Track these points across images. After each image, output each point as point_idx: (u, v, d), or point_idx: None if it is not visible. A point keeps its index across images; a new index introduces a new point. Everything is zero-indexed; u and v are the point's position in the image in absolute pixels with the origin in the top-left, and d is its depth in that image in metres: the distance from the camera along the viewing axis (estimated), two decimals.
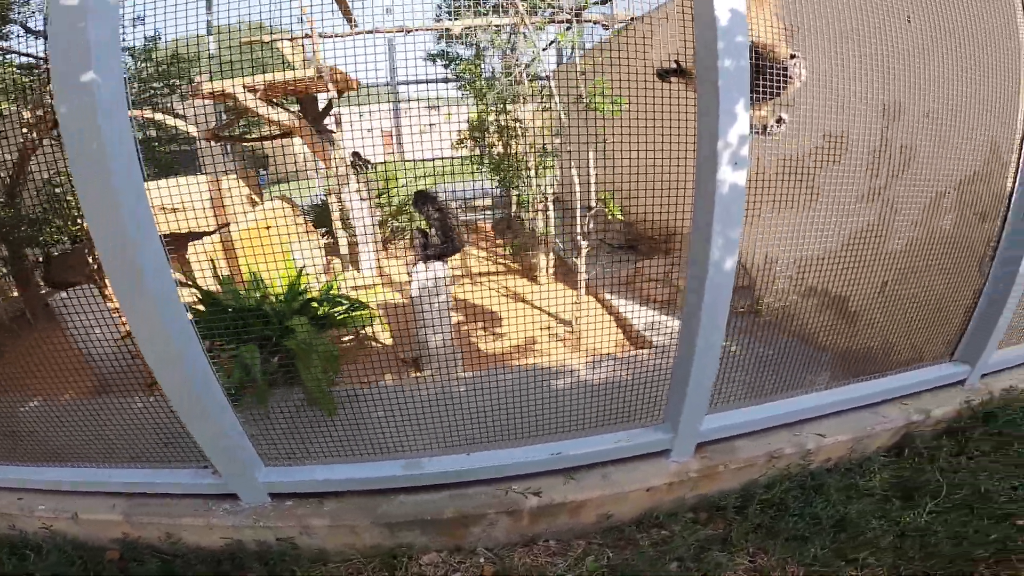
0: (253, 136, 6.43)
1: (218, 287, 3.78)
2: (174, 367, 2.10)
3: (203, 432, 2.34)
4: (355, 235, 6.12)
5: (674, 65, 2.73)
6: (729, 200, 2.25)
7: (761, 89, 2.62)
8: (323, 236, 6.90)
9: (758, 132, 2.71)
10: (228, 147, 6.66)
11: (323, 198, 7.03)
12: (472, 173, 7.22)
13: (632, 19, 5.67)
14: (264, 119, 5.29)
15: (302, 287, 3.86)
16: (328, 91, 5.07)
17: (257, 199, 7.18)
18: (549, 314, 5.49)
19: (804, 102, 3.02)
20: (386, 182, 7.61)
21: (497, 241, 8.52)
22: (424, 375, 4.05)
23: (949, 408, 3.27)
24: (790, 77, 2.60)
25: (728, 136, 2.18)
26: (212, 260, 3.82)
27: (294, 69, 5.20)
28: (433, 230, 3.93)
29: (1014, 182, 3.22)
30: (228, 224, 6.29)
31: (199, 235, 6.45)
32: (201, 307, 3.56)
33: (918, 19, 3.11)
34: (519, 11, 4.45)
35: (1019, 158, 3.21)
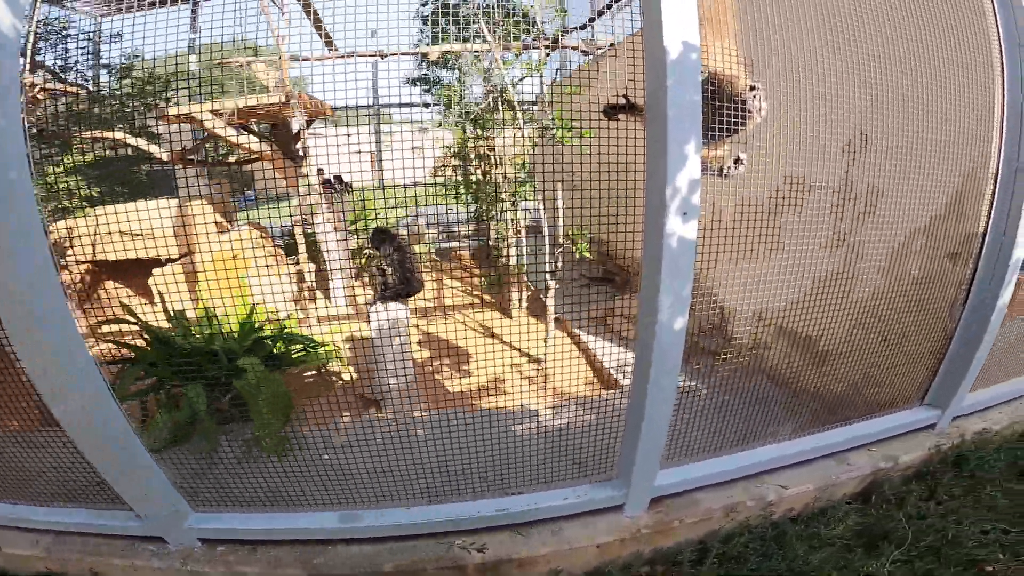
0: (222, 160, 6.40)
1: (166, 323, 3.70)
2: (83, 423, 2.03)
3: (122, 484, 2.28)
4: (325, 265, 6.06)
5: (622, 101, 2.61)
6: (678, 254, 2.11)
7: (719, 125, 2.52)
8: (294, 265, 6.83)
9: (714, 174, 2.62)
10: (199, 171, 6.61)
11: (290, 227, 6.99)
12: (454, 199, 7.21)
13: (611, 45, 5.74)
14: (230, 144, 5.27)
15: (257, 324, 3.79)
16: (297, 117, 5.06)
17: (227, 225, 7.11)
18: (519, 351, 5.43)
19: (765, 139, 2.94)
20: (363, 208, 7.58)
21: (475, 271, 8.50)
22: (380, 417, 3.96)
23: (918, 453, 3.26)
24: (749, 111, 2.49)
25: (677, 181, 2.05)
26: (161, 294, 3.74)
27: (265, 93, 5.20)
28: (391, 270, 3.88)
29: (987, 222, 3.21)
30: (192, 252, 6.21)
31: (162, 262, 6.36)
32: (146, 345, 3.47)
33: (890, 46, 3.10)
34: (488, 39, 4.49)
35: (992, 197, 3.19)
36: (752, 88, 2.52)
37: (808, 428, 3.24)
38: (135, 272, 6.76)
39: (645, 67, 2.07)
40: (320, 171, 11.34)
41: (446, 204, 7.44)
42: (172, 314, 3.66)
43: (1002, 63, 3.08)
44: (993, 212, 3.17)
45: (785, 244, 3.16)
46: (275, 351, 3.80)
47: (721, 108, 2.52)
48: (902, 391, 3.53)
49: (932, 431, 3.46)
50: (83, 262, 6.67)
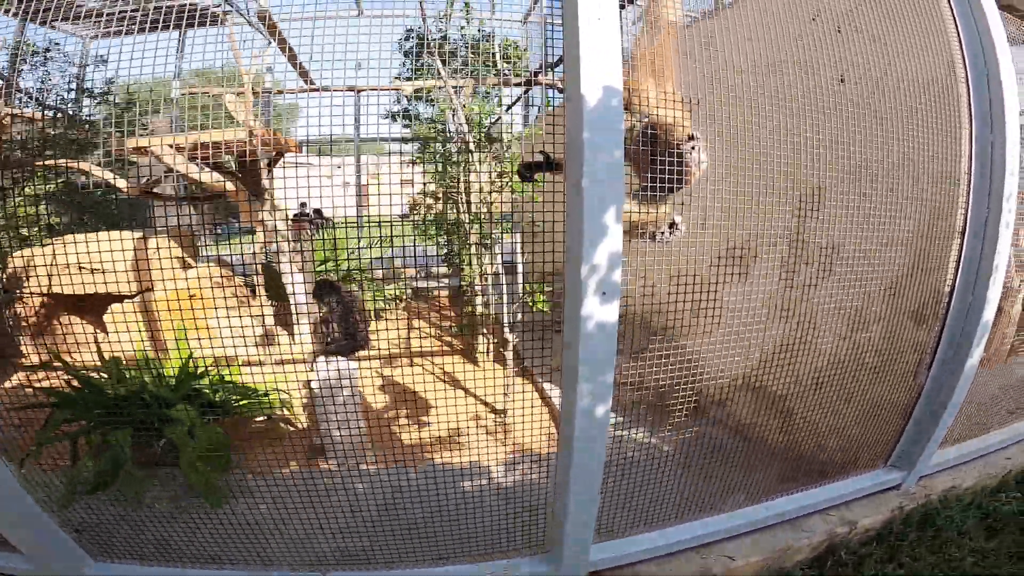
0: (186, 195, 6.40)
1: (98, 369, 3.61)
2: None
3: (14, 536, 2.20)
4: (289, 307, 5.98)
5: (540, 157, 2.47)
6: (597, 339, 1.93)
7: (653, 182, 2.34)
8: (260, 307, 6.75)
9: (647, 239, 2.47)
10: (164, 205, 6.57)
11: (252, 265, 6.95)
12: (426, 238, 7.20)
13: None
14: (190, 180, 5.27)
15: (196, 371, 3.71)
16: (260, 153, 5.07)
17: (192, 262, 7.05)
18: (482, 401, 5.36)
19: (707, 196, 2.68)
20: (333, 248, 7.55)
21: (449, 314, 8.44)
22: (324, 468, 3.86)
23: (879, 516, 3.21)
24: (687, 165, 2.31)
25: (595, 256, 1.86)
26: (97, 338, 3.66)
27: (231, 127, 5.23)
28: (335, 324, 3.81)
29: (954, 280, 3.17)
30: (149, 289, 6.13)
31: (120, 298, 6.27)
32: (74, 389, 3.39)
33: (848, 89, 3.04)
34: (443, 74, 4.55)
35: (960, 254, 3.15)
36: (691, 138, 2.35)
37: (762, 495, 3.16)
38: (95, 306, 6.66)
39: (565, 115, 1.89)
40: (303, 204, 11.34)
41: (424, 243, 7.46)
42: (105, 360, 3.57)
43: (969, 106, 3.08)
44: (960, 270, 3.14)
45: (727, 318, 2.99)
46: (215, 399, 3.71)
47: (658, 162, 2.34)
48: (865, 453, 3.48)
49: (896, 491, 3.42)
50: (40, 295, 6.57)
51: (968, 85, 3.07)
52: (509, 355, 4.78)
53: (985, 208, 3.06)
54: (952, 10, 3.08)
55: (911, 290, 3.21)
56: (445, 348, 6.80)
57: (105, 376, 3.51)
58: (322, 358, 3.85)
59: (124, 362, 3.89)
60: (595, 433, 2.12)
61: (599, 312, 1.91)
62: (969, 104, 3.07)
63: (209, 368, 3.91)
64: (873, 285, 3.20)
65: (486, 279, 5.42)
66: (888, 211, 3.10)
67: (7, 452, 2.80)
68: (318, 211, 10.42)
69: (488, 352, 6.32)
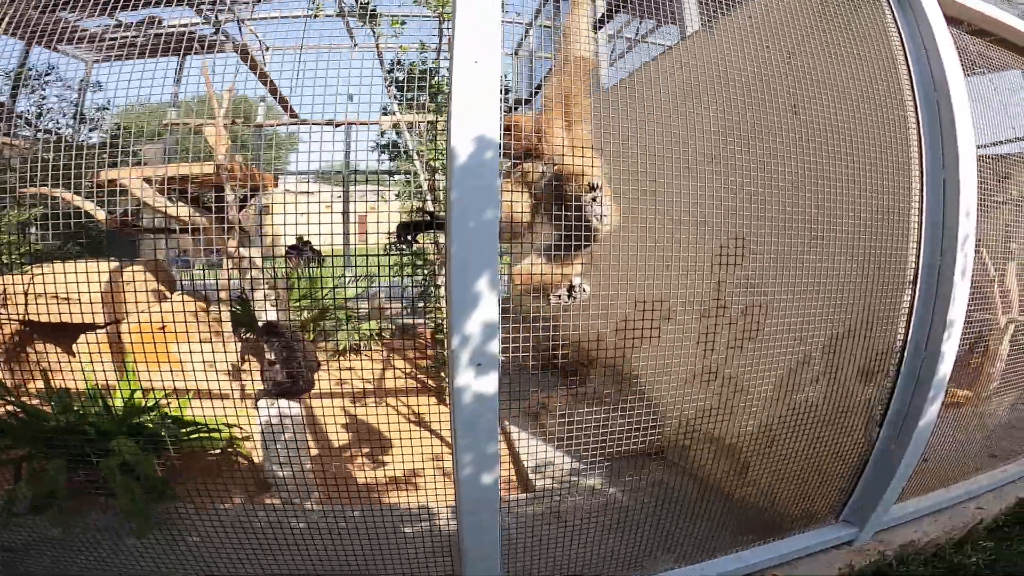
0: (162, 227, 6.62)
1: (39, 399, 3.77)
2: None
3: None
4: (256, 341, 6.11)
5: (425, 217, 2.38)
6: (475, 411, 1.88)
7: (558, 238, 2.28)
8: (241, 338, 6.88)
9: (561, 297, 2.38)
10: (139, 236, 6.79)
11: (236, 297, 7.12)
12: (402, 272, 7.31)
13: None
14: (161, 213, 5.47)
15: (141, 404, 3.85)
16: (234, 187, 5.27)
17: (166, 292, 7.23)
18: (445, 442, 5.42)
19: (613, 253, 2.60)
20: (309, 284, 7.72)
21: (429, 352, 8.53)
22: (265, 504, 3.95)
23: (828, 574, 3.17)
24: (586, 220, 2.23)
25: (466, 327, 1.78)
26: (45, 370, 3.81)
27: (208, 160, 5.46)
28: (277, 366, 3.90)
29: (905, 334, 3.10)
30: (119, 320, 6.30)
31: (90, 327, 6.44)
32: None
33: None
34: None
35: (912, 305, 3.07)
36: (592, 188, 2.23)
37: (693, 557, 3.13)
38: (67, 334, 6.84)
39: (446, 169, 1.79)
40: (299, 239, 11.53)
41: (404, 276, 7.59)
42: (52, 391, 3.72)
43: (920, 139, 2.97)
44: (912, 325, 3.07)
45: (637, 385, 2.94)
46: (161, 433, 3.83)
47: (563, 216, 2.27)
48: (816, 508, 3.46)
49: (849, 547, 3.37)
50: (14, 321, 6.76)
51: (918, 117, 3.00)
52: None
53: (938, 255, 2.98)
54: (900, 33, 3.05)
55: (856, 347, 3.14)
56: (418, 386, 6.90)
57: (50, 406, 3.65)
58: (262, 402, 3.95)
59: (77, 393, 4.03)
60: (482, 503, 2.07)
61: (475, 384, 1.86)
62: (920, 137, 3.00)
63: (159, 402, 4.04)
64: (812, 343, 3.11)
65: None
66: (825, 262, 3.01)
67: None
68: (307, 242, 10.59)
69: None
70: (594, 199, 2.22)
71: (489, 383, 1.85)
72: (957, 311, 2.97)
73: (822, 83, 3.00)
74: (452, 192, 1.69)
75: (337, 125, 4.98)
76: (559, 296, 2.39)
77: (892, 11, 3.08)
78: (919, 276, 3.03)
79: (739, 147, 2.94)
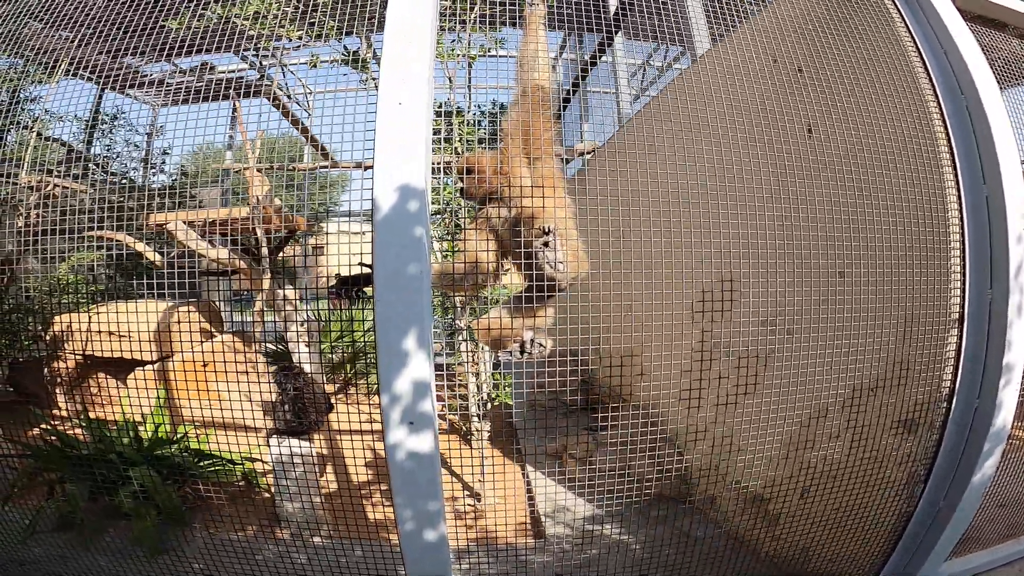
0: (207, 269, 7.08)
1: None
2: None
3: None
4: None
5: (366, 270, 2.28)
6: (411, 469, 1.84)
7: (519, 289, 2.23)
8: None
9: (512, 354, 2.28)
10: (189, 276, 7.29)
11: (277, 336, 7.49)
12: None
13: (593, 150, 6.13)
14: (203, 256, 5.89)
15: (165, 436, 4.14)
16: (260, 231, 5.64)
17: (214, 331, 7.67)
18: (463, 482, 5.49)
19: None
20: (341, 324, 8.02)
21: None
22: (276, 537, 4.12)
23: None
24: (537, 267, 2.12)
25: (395, 386, 1.74)
26: (84, 402, 4.16)
27: (246, 204, 5.88)
28: (287, 405, 4.11)
29: (953, 382, 2.76)
30: (169, 356, 6.73)
31: (143, 363, 6.91)
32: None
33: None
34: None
35: (959, 350, 2.73)
36: (545, 232, 2.10)
37: None
38: (123, 368, 7.36)
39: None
40: (338, 275, 12.02)
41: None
42: (88, 421, 4.06)
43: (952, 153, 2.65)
44: (961, 370, 2.74)
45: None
46: (182, 463, 4.09)
47: (520, 263, 2.21)
48: (849, 567, 3.22)
49: None
50: (76, 354, 7.34)
51: (946, 126, 2.67)
52: (481, 444, 4.97)
53: (987, 289, 2.64)
54: (912, 35, 2.81)
55: (889, 397, 2.86)
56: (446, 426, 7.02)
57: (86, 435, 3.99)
58: (272, 440, 4.18)
59: (114, 423, 4.38)
60: (427, 561, 2.01)
61: (409, 442, 1.83)
62: (951, 149, 2.66)
63: (186, 435, 4.33)
64: (829, 395, 2.87)
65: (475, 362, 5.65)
66: (848, 303, 2.77)
67: None
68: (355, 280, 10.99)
69: (482, 432, 6.48)
70: (545, 244, 2.10)
71: (424, 441, 1.82)
72: (1017, 354, 2.63)
73: (835, 99, 2.84)
74: (375, 246, 1.65)
75: (366, 168, 5.28)
76: (509, 354, 2.30)
77: (899, 11, 2.86)
78: (965, 315, 2.70)
79: (747, 177, 2.80)
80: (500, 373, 5.05)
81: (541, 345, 2.30)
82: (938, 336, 2.74)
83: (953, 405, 2.75)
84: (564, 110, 6.85)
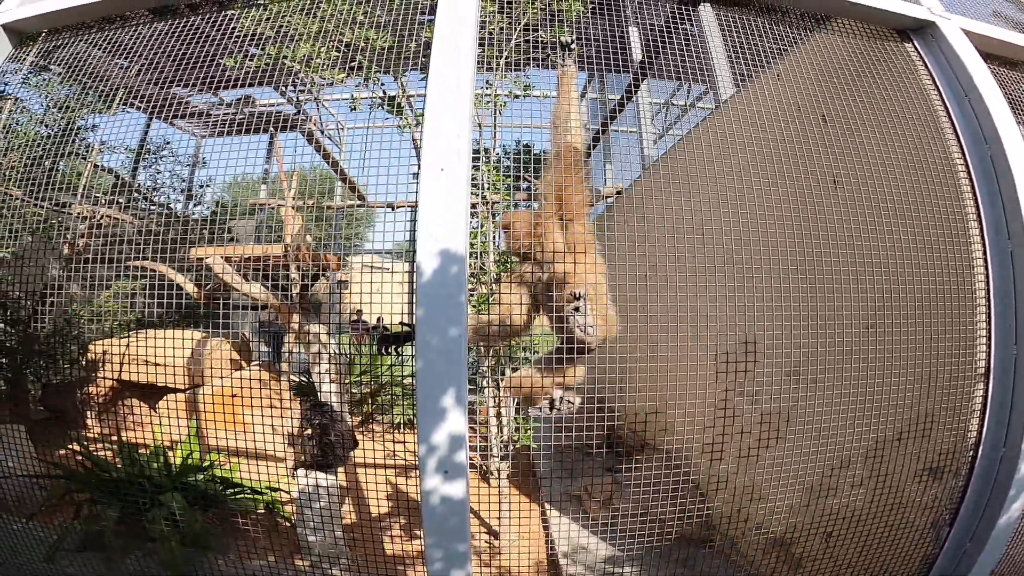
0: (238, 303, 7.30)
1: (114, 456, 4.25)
2: None
3: None
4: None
5: (407, 329, 2.41)
6: (444, 514, 1.95)
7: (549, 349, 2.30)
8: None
9: (542, 410, 2.37)
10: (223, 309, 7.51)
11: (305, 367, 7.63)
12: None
13: (619, 192, 6.23)
14: (237, 290, 6.08)
15: (195, 464, 4.25)
16: (300, 267, 5.81)
17: (243, 363, 7.85)
18: (480, 519, 5.48)
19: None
20: (369, 360, 8.15)
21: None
22: (296, 565, 4.16)
23: None
24: (568, 329, 2.19)
25: (433, 438, 1.85)
26: (119, 428, 4.30)
27: (279, 240, 6.09)
28: (314, 440, 4.20)
29: (980, 431, 2.81)
30: (199, 385, 6.91)
31: (173, 390, 7.09)
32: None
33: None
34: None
35: (985, 400, 2.77)
36: (576, 298, 2.17)
37: None
38: (154, 394, 7.56)
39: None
40: (359, 313, 12.21)
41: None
42: (120, 444, 4.19)
43: (975, 196, 2.70)
44: (987, 418, 2.79)
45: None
46: (209, 491, 4.19)
47: (552, 324, 2.29)
48: None
49: None
50: (110, 379, 7.55)
51: (970, 175, 2.73)
52: (500, 483, 5.00)
53: (1013, 344, 2.66)
54: (934, 81, 2.87)
55: (911, 448, 2.89)
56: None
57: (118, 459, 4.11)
58: (300, 472, 4.25)
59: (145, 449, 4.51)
60: None
61: (443, 488, 1.94)
62: (976, 199, 2.70)
63: (214, 463, 4.44)
64: (851, 448, 2.90)
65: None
66: (866, 359, 2.82)
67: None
68: (380, 320, 11.14)
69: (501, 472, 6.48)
70: (576, 308, 2.16)
71: (456, 488, 1.92)
72: None
73: (860, 149, 2.89)
74: (417, 308, 1.76)
75: (395, 208, 5.44)
76: (540, 410, 2.39)
77: (922, 58, 2.94)
78: (991, 368, 2.74)
79: (772, 231, 2.84)
80: (522, 416, 5.07)
81: (570, 403, 2.38)
82: (964, 389, 2.78)
83: (979, 453, 2.79)
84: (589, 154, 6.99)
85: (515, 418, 5.06)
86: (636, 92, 6.30)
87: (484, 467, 5.44)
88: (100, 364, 7.40)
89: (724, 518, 3.21)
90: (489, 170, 4.89)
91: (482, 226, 4.86)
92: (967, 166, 2.75)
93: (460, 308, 1.73)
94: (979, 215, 2.71)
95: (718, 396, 2.88)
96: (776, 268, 2.85)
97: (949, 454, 2.90)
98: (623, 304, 2.58)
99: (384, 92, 5.15)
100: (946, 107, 2.83)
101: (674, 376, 2.73)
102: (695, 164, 3.23)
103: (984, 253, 2.70)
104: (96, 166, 5.22)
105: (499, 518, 5.00)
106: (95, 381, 7.46)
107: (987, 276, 2.69)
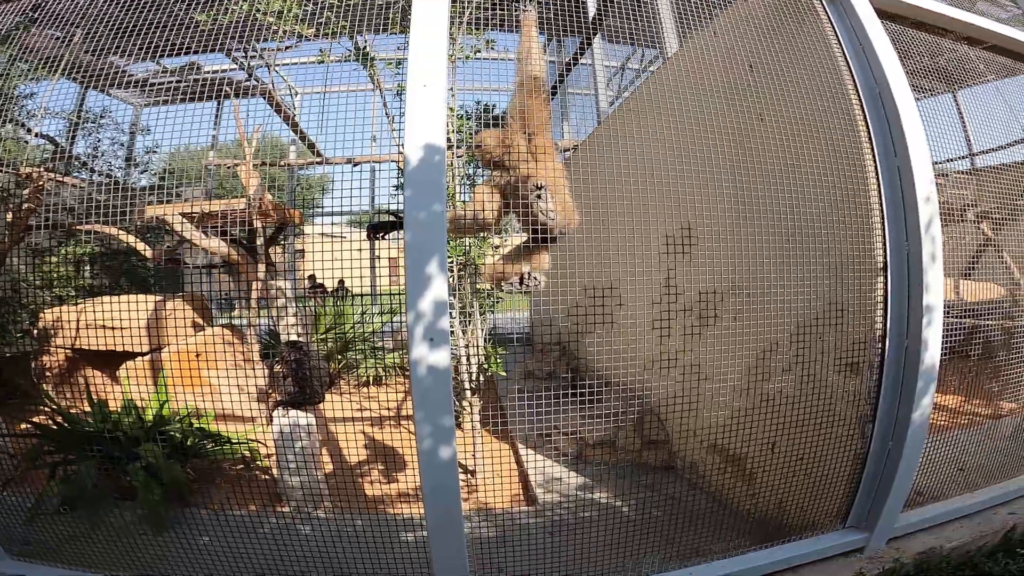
0: (200, 263, 7.08)
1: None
2: None
3: None
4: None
5: (392, 218, 2.79)
6: (430, 383, 2.09)
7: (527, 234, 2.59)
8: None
9: (513, 285, 2.67)
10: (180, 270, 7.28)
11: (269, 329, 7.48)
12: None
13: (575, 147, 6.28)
14: (197, 247, 5.90)
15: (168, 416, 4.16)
16: (260, 222, 5.67)
17: (203, 323, 7.66)
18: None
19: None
20: (336, 317, 8.08)
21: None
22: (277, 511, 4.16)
23: None
24: (533, 214, 2.49)
25: (420, 305, 2.04)
26: (87, 382, 4.17)
27: (237, 196, 5.91)
28: (289, 378, 4.16)
29: (884, 324, 3.09)
30: (160, 347, 6.71)
31: (133, 355, 6.86)
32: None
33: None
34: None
35: (885, 294, 3.07)
36: (537, 187, 2.51)
37: (688, 559, 3.08)
38: (113, 361, 7.30)
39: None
40: (311, 278, 12.01)
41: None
42: (93, 401, 4.07)
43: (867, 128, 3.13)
44: (889, 311, 3.08)
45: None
46: (186, 443, 4.12)
47: (519, 215, 2.63)
48: (817, 513, 3.37)
49: (860, 555, 3.23)
50: (65, 348, 7.26)
51: (864, 113, 3.17)
52: (472, 420, 5.07)
53: (904, 241, 3.06)
54: (836, 34, 3.31)
55: (828, 335, 3.21)
56: None
57: (87, 415, 3.99)
58: (279, 411, 4.21)
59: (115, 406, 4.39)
60: (444, 479, 2.25)
61: (428, 356, 2.09)
62: (867, 128, 3.16)
63: (186, 416, 4.36)
64: (778, 331, 3.24)
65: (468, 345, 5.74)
66: (783, 247, 3.22)
67: None
68: (341, 282, 11.01)
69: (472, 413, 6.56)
70: (538, 196, 2.47)
71: (440, 356, 2.09)
72: (934, 296, 3.00)
73: (780, 91, 3.35)
74: (406, 190, 2.06)
75: (356, 163, 5.35)
76: (512, 284, 2.67)
77: (828, 15, 3.37)
78: (888, 262, 3.12)
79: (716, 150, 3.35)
80: (492, 345, 5.13)
81: (536, 279, 2.67)
82: (868, 281, 3.13)
83: (887, 346, 3.08)
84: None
85: (484, 346, 5.10)
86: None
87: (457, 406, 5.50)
88: (53, 333, 7.10)
89: (681, 436, 3.41)
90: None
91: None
92: (860, 101, 3.20)
93: (441, 188, 2.03)
94: (870, 140, 3.15)
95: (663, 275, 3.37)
96: (714, 181, 3.43)
97: (861, 345, 3.16)
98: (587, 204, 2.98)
99: (356, 45, 4.99)
100: (845, 55, 3.27)
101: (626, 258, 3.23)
102: (651, 103, 3.93)
103: (876, 168, 3.13)
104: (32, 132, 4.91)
105: (474, 456, 5.07)
106: (49, 351, 7.15)
107: (879, 187, 3.11)
